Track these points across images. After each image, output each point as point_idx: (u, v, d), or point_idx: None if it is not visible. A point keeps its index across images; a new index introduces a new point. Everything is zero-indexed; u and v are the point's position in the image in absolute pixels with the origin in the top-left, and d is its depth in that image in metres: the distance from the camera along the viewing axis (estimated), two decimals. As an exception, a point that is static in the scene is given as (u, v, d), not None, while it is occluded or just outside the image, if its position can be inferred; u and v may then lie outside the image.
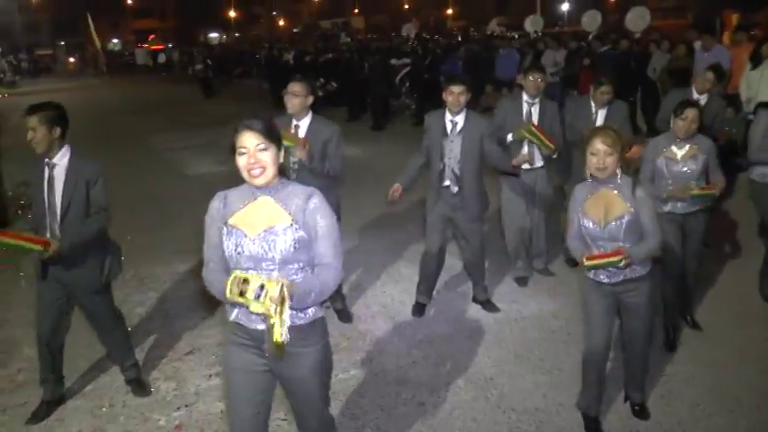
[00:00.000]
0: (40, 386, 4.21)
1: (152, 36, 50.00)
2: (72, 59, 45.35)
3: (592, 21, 16.88)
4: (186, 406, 4.20)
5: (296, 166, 4.61)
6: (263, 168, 2.64)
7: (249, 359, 2.79)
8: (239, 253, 2.65)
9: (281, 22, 58.02)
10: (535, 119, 5.52)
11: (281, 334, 2.39)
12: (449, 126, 4.96)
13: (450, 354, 4.73)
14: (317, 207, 2.69)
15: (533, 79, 5.48)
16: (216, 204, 2.79)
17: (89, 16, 29.84)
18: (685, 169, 4.45)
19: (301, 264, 2.69)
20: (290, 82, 4.73)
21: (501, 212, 5.91)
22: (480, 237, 5.22)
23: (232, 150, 2.68)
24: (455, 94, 4.83)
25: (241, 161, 2.66)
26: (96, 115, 19.58)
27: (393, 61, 17.03)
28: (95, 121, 18.18)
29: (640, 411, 3.85)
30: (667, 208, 4.54)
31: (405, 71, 16.89)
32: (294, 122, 4.75)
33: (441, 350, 4.78)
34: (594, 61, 11.80)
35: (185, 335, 5.14)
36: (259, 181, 2.65)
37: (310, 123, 4.76)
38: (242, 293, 2.42)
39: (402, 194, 5.11)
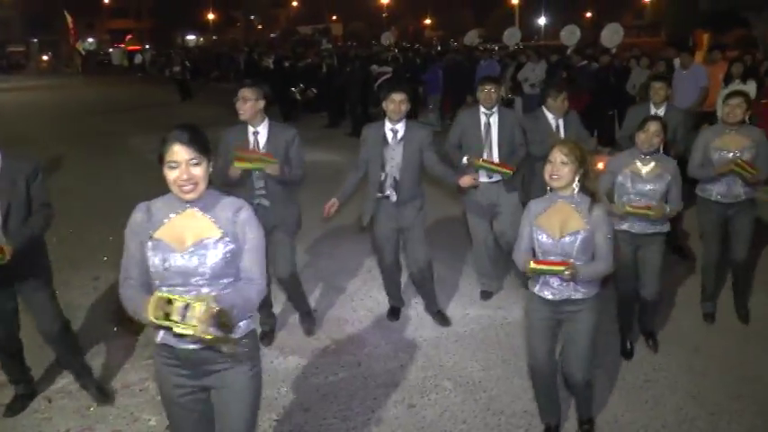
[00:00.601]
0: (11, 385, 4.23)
1: (129, 36, 49.56)
2: (45, 57, 44.78)
3: (570, 35, 17.12)
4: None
5: (261, 175, 4.57)
6: (196, 184, 2.54)
7: (176, 385, 2.69)
8: (167, 268, 2.53)
9: (259, 27, 57.92)
10: (495, 130, 5.38)
11: (231, 344, 2.42)
12: (389, 135, 4.89)
13: (437, 357, 4.78)
14: (246, 220, 2.63)
15: (486, 90, 5.33)
16: (138, 216, 2.63)
17: (67, 14, 29.46)
18: (649, 188, 4.39)
19: (231, 278, 2.61)
20: (241, 88, 4.58)
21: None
22: (424, 247, 5.12)
23: (160, 161, 2.55)
24: (396, 102, 4.76)
25: (171, 175, 2.52)
26: (71, 115, 19.40)
27: (374, 68, 17.13)
28: (71, 120, 18.02)
29: (588, 429, 3.82)
30: (624, 226, 4.47)
31: (384, 78, 16.98)
32: (252, 130, 4.62)
33: (428, 354, 4.84)
34: (573, 75, 12.01)
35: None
36: (191, 197, 2.55)
37: (269, 129, 4.65)
38: (167, 315, 2.31)
39: (338, 210, 5.07)
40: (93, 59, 42.49)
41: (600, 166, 5.95)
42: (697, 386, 4.32)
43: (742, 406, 4.11)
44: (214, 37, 52.10)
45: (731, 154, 4.82)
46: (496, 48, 18.13)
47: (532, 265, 3.32)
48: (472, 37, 21.06)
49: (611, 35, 16.15)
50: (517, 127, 5.53)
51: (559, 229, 3.36)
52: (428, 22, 51.39)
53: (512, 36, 19.88)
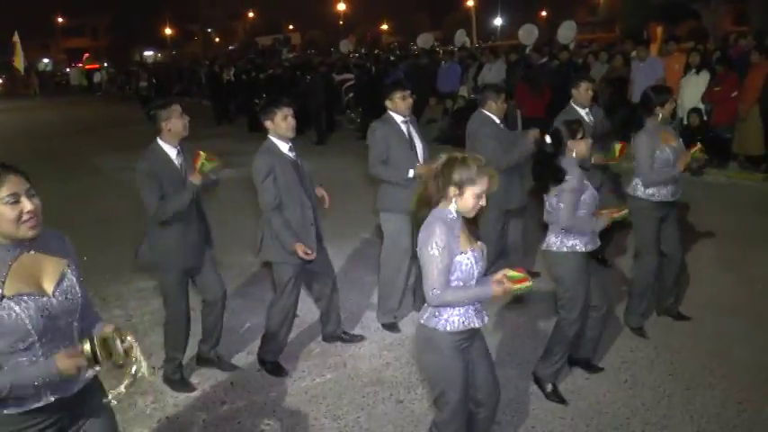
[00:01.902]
0: None
1: (86, 55, 48.92)
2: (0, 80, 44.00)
3: (528, 34, 17.39)
4: (167, 418, 4.22)
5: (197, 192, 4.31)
6: (38, 217, 2.24)
7: None
8: (48, 317, 2.24)
9: (217, 40, 57.63)
10: (416, 138, 5.13)
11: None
12: (290, 154, 4.56)
13: (421, 354, 4.88)
14: (70, 245, 2.48)
15: (403, 98, 5.05)
16: None
17: (17, 35, 28.90)
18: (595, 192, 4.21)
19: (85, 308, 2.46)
20: (169, 106, 4.25)
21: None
22: (330, 264, 4.96)
23: None
24: (288, 117, 4.48)
25: (12, 211, 2.18)
26: (33, 137, 19.15)
27: (334, 75, 17.24)
28: (33, 142, 17.78)
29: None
30: (592, 246, 4.15)
31: (348, 84, 17.12)
32: (176, 150, 4.28)
33: (412, 351, 4.92)
34: (533, 74, 12.23)
35: (156, 350, 5.13)
36: (35, 232, 2.24)
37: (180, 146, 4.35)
38: (110, 355, 2.32)
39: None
40: (50, 80, 41.89)
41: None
42: (673, 364, 4.50)
43: (715, 380, 4.31)
44: (173, 52, 51.71)
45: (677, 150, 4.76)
46: (457, 49, 18.31)
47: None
48: (426, 39, 21.28)
49: (566, 32, 16.52)
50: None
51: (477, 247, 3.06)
52: (385, 27, 51.64)
53: (460, 37, 20.19)
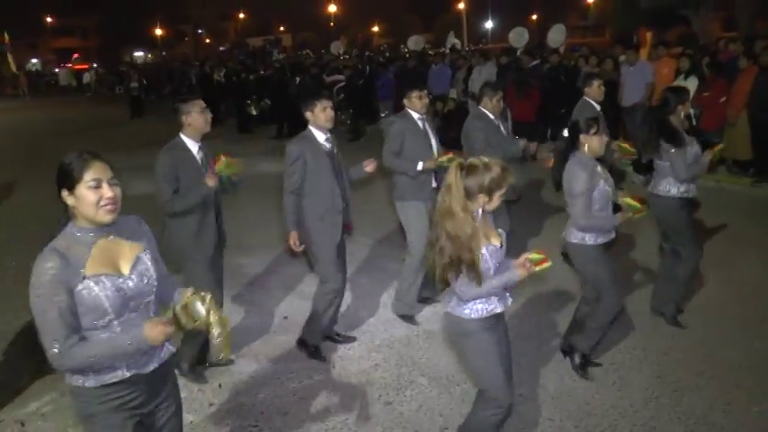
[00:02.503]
0: None
1: (76, 55, 48.62)
2: (-13, 81, 43.58)
3: (519, 37, 17.45)
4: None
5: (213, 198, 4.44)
6: (116, 204, 2.42)
7: (131, 415, 2.53)
8: (124, 296, 2.41)
9: (207, 41, 57.49)
10: (431, 134, 5.38)
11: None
12: (327, 144, 4.73)
13: (409, 355, 4.88)
14: (147, 229, 2.68)
15: (419, 98, 5.30)
16: (56, 264, 2.30)
17: (6, 36, 28.68)
18: (608, 187, 4.27)
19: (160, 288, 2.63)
20: (191, 101, 4.37)
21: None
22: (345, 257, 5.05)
23: (69, 185, 2.39)
24: (327, 108, 4.69)
25: (91, 196, 2.36)
26: (23, 138, 19.01)
27: (325, 77, 17.22)
28: (23, 144, 17.65)
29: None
30: (612, 236, 4.36)
31: (339, 86, 17.10)
32: (198, 145, 4.38)
33: (400, 352, 4.93)
34: (523, 77, 12.26)
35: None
36: (110, 218, 2.41)
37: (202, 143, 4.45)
38: (195, 320, 2.46)
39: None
40: (39, 81, 41.59)
41: (551, 163, 6.13)
42: (660, 366, 4.52)
43: (703, 381, 4.33)
44: (163, 53, 51.55)
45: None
46: (448, 51, 18.35)
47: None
48: (417, 41, 21.32)
49: (556, 36, 16.61)
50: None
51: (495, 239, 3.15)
52: (376, 29, 51.69)
53: (450, 39, 20.29)
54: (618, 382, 4.36)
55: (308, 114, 4.66)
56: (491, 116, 5.81)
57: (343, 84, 16.92)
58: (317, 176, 4.61)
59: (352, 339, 5.15)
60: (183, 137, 4.35)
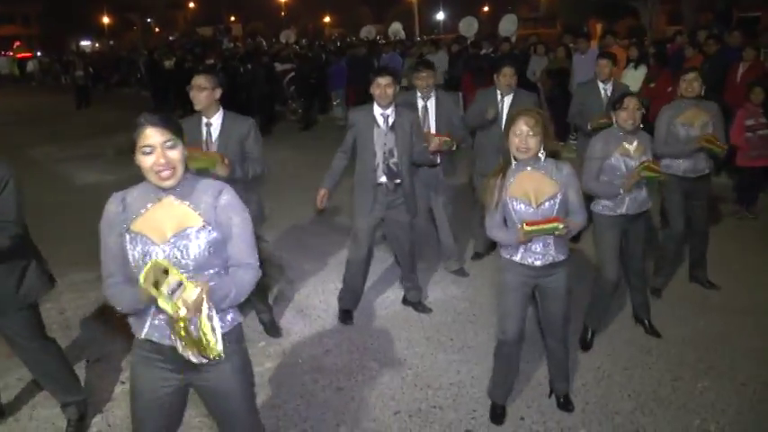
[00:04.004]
0: None
1: (17, 43, 47.00)
2: None
3: (468, 27, 17.54)
4: (101, 412, 4.05)
5: None
6: (174, 169, 2.38)
7: (159, 378, 2.56)
8: (147, 263, 2.33)
9: (157, 30, 56.32)
10: (432, 113, 5.53)
11: (211, 342, 2.26)
12: (380, 120, 4.76)
13: (361, 340, 4.84)
14: (228, 203, 2.49)
15: (419, 78, 5.51)
16: (113, 208, 2.46)
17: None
18: (622, 164, 4.31)
19: (216, 268, 2.49)
20: (195, 75, 4.41)
21: None
22: (411, 235, 5.06)
23: (132, 149, 2.39)
24: (382, 86, 4.65)
25: (147, 161, 2.36)
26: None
27: (276, 65, 17.01)
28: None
29: (565, 403, 3.87)
30: (621, 210, 4.37)
31: (290, 76, 16.92)
32: (205, 120, 4.39)
33: (352, 337, 4.88)
34: (479, 64, 12.28)
35: (90, 344, 4.95)
36: (170, 183, 2.39)
37: (223, 120, 4.41)
38: (157, 284, 2.20)
39: (329, 198, 4.97)
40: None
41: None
42: (611, 345, 4.57)
43: (652, 359, 4.40)
44: (111, 42, 50.30)
45: (696, 129, 4.91)
46: (393, 39, 18.33)
47: (527, 228, 3.27)
48: (369, 32, 21.29)
49: (507, 25, 16.74)
50: (455, 111, 5.78)
51: (535, 195, 3.36)
52: (327, 20, 51.37)
53: (395, 30, 20.36)
54: (571, 362, 4.35)
55: (371, 89, 4.75)
56: (498, 92, 5.74)
57: (293, 74, 16.74)
58: (362, 146, 4.80)
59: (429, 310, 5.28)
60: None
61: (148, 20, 57.00)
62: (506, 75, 5.62)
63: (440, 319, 5.12)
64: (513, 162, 3.46)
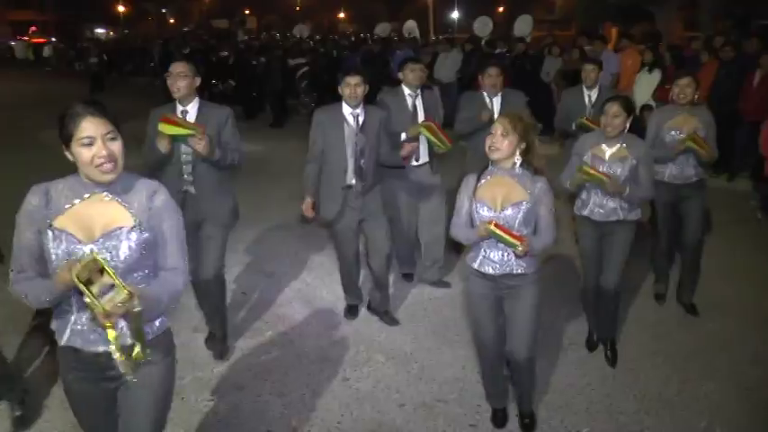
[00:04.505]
0: None
1: (33, 28, 47.12)
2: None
3: (483, 26, 17.50)
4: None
5: (189, 158, 4.15)
6: (115, 162, 2.24)
7: (89, 388, 2.43)
8: (71, 263, 2.14)
9: (171, 21, 56.42)
10: (420, 111, 5.27)
11: (136, 348, 2.19)
12: (350, 119, 4.62)
13: (368, 333, 4.85)
14: (163, 204, 2.38)
15: (413, 70, 5.20)
16: (35, 201, 2.29)
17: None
18: (611, 171, 4.05)
19: (147, 270, 2.37)
20: (174, 63, 4.18)
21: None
22: (387, 238, 4.89)
23: (66, 141, 2.23)
24: (351, 85, 4.52)
25: (86, 153, 2.20)
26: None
27: (290, 61, 17.03)
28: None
29: (529, 425, 3.69)
30: (585, 212, 4.28)
31: (303, 70, 16.92)
32: (180, 108, 4.18)
33: (359, 330, 4.90)
34: (489, 63, 12.28)
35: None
36: (110, 177, 2.25)
37: (199, 108, 4.21)
38: (89, 282, 2.03)
39: (315, 207, 4.81)
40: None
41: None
42: (618, 346, 4.54)
43: (659, 361, 4.41)
44: (125, 30, 50.40)
45: (684, 134, 4.70)
46: (407, 37, 18.30)
47: (493, 227, 3.15)
48: (384, 29, 21.26)
49: (522, 26, 16.69)
50: (439, 108, 5.55)
51: (501, 200, 3.29)
52: (342, 15, 51.34)
53: (409, 28, 20.31)
54: (576, 361, 4.40)
55: (339, 89, 4.62)
56: (484, 94, 5.54)
57: (306, 68, 16.74)
58: (329, 147, 4.64)
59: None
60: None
61: (164, 10, 57.09)
62: (492, 75, 5.44)
63: (447, 314, 5.14)
64: (490, 166, 3.42)
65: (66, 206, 2.27)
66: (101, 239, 2.25)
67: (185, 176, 4.20)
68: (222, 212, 4.33)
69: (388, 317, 5.03)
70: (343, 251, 4.95)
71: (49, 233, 2.25)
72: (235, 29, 33.65)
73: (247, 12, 50.85)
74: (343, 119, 4.62)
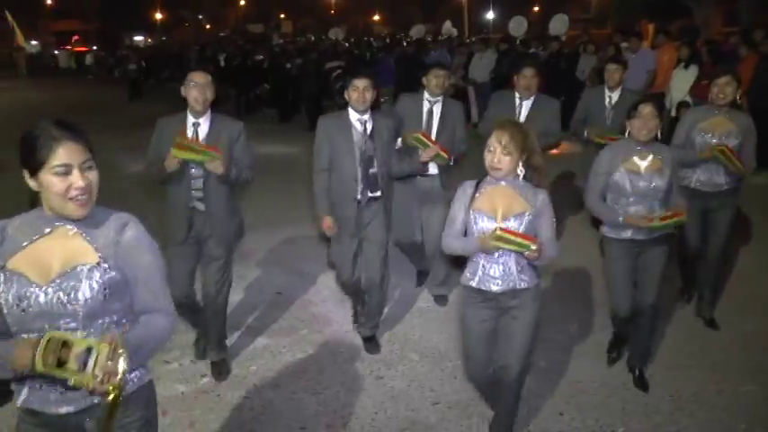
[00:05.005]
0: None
1: (75, 38, 48.26)
2: (-15, 61, 43.10)
3: (518, 26, 17.42)
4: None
5: (200, 173, 3.94)
6: (90, 194, 1.97)
7: None
8: (24, 309, 1.93)
9: (208, 27, 57.23)
10: (436, 119, 5.01)
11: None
12: (358, 126, 4.32)
13: (402, 332, 4.88)
14: (135, 239, 2.07)
15: (437, 77, 4.92)
16: None
17: (8, 13, 28.09)
18: (652, 185, 3.76)
19: (115, 317, 2.05)
20: (191, 72, 3.97)
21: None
22: (386, 254, 4.54)
23: (34, 166, 1.93)
24: (360, 89, 4.21)
25: (60, 184, 1.92)
26: (20, 116, 18.89)
27: (328, 64, 17.16)
28: (20, 121, 17.55)
29: None
30: (627, 234, 3.87)
31: (337, 72, 17.02)
32: (192, 120, 3.97)
33: (393, 329, 4.93)
34: (522, 62, 12.20)
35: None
36: (83, 212, 1.97)
37: (212, 121, 4.00)
38: (60, 363, 1.80)
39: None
40: (37, 62, 41.20)
41: (554, 150, 6.01)
42: (654, 345, 4.49)
43: (695, 361, 4.35)
44: (163, 38, 51.28)
45: (715, 138, 4.42)
46: (444, 38, 18.30)
47: (499, 232, 2.93)
48: (419, 30, 21.30)
49: (558, 25, 16.57)
50: (461, 120, 5.14)
51: (502, 211, 3.07)
52: (377, 18, 51.49)
53: (448, 29, 20.30)
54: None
55: (346, 94, 4.31)
56: (516, 95, 5.32)
57: (340, 70, 16.84)
58: (337, 156, 4.32)
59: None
60: (188, 110, 3.99)
61: (200, 16, 57.96)
62: (527, 76, 5.20)
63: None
64: (489, 175, 3.15)
65: (24, 243, 1.99)
66: (57, 280, 1.96)
67: (194, 192, 4.02)
68: (229, 231, 4.17)
69: (371, 344, 4.66)
70: (344, 273, 4.62)
71: (1, 276, 1.96)
72: (270, 33, 33.99)
73: (282, 16, 51.34)
74: (351, 125, 4.32)
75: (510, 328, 3.22)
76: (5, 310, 1.95)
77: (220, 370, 4.31)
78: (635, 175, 3.77)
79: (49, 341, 1.80)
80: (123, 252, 2.04)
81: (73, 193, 1.93)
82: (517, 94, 5.35)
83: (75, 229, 2.01)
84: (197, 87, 3.88)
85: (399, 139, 4.78)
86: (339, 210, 4.39)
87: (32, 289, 1.94)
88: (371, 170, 4.33)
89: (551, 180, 6.27)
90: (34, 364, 1.79)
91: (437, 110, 5.03)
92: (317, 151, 4.38)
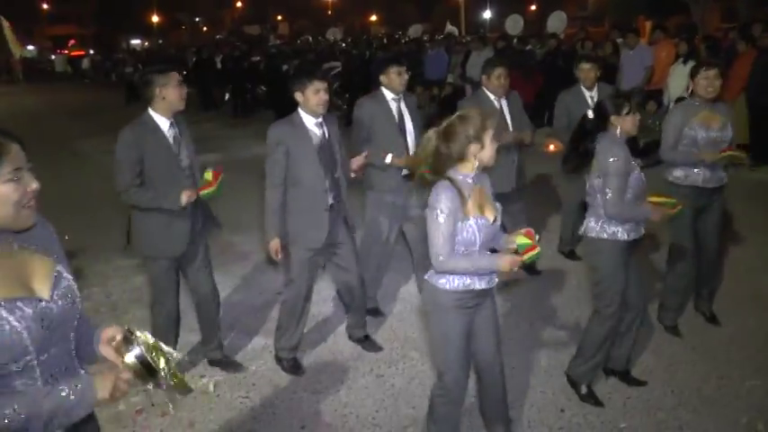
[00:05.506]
0: None
1: (72, 42, 48.32)
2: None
3: (514, 24, 17.45)
4: (144, 390, 4.13)
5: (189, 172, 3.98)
6: (36, 200, 1.78)
7: None
8: (49, 327, 1.74)
9: (204, 29, 57.24)
10: (407, 116, 4.81)
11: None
12: (317, 130, 4.10)
13: (402, 330, 4.86)
14: (54, 233, 1.94)
15: (400, 73, 4.68)
16: None
17: (3, 20, 28.17)
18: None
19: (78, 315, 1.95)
20: (170, 72, 3.83)
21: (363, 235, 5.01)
22: (357, 258, 4.45)
23: None
24: (321, 91, 4.00)
25: (15, 191, 1.69)
26: (16, 121, 18.89)
27: (325, 65, 17.16)
28: (17, 126, 17.55)
29: None
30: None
31: (335, 72, 17.03)
32: (168, 122, 3.86)
33: (393, 327, 4.91)
34: (523, 60, 12.19)
35: (136, 325, 5.06)
36: (32, 221, 1.78)
37: (178, 121, 3.99)
38: (151, 371, 1.82)
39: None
40: (34, 67, 41.23)
41: (551, 147, 5.96)
42: (655, 341, 4.51)
43: (697, 356, 4.33)
44: (160, 40, 51.32)
45: (714, 132, 4.34)
46: (443, 37, 18.30)
47: (526, 257, 2.90)
48: (416, 30, 21.33)
49: (555, 22, 16.58)
50: (418, 114, 4.97)
51: (490, 211, 2.99)
52: (374, 18, 51.53)
53: (450, 29, 20.36)
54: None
55: (297, 95, 4.00)
56: (491, 97, 5.23)
57: (338, 70, 16.85)
58: (300, 167, 4.05)
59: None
60: (151, 112, 3.82)
61: (197, 19, 57.97)
62: (500, 76, 5.13)
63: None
64: (461, 176, 2.94)
65: None
66: (56, 292, 1.81)
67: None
68: (210, 223, 4.26)
69: (368, 343, 4.62)
70: (300, 284, 4.26)
71: (2, 312, 1.68)
72: (266, 34, 33.99)
73: (279, 17, 51.38)
74: (307, 131, 4.07)
75: (487, 322, 3.16)
76: (29, 340, 1.69)
77: (230, 363, 4.40)
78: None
79: (153, 348, 1.85)
80: (57, 247, 1.92)
81: (26, 199, 1.72)
82: (492, 95, 5.24)
83: (17, 246, 1.78)
84: (181, 86, 3.83)
85: (389, 156, 4.64)
86: (308, 221, 4.10)
87: (44, 304, 1.75)
88: (335, 175, 4.18)
89: (530, 180, 6.23)
90: (153, 375, 1.79)
91: (404, 107, 4.82)
92: (274, 164, 4.04)
